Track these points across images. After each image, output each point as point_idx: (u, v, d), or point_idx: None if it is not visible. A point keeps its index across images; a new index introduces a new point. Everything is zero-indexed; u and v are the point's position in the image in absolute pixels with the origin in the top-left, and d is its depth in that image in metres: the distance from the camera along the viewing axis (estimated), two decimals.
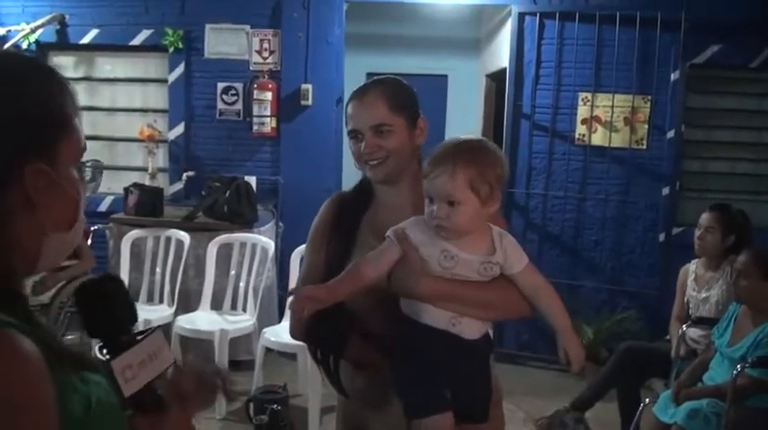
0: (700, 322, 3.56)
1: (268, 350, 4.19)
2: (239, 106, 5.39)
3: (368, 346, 1.69)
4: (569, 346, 1.54)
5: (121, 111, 5.63)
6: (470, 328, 1.53)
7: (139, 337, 1.03)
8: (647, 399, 3.43)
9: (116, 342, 1.01)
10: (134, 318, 1.06)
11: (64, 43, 5.40)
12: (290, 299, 1.52)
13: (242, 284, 4.49)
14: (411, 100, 1.79)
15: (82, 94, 5.08)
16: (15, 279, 0.94)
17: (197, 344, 4.29)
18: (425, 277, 1.49)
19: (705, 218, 3.67)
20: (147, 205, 4.85)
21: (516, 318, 1.65)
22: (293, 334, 1.85)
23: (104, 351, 1.01)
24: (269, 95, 5.22)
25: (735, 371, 2.90)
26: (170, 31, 5.29)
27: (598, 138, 5.11)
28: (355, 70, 6.59)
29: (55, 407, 0.84)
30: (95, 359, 0.99)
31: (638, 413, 3.44)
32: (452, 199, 1.46)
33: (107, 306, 1.03)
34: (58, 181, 0.94)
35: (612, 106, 5.03)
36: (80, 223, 1.00)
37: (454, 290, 1.50)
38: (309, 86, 5.24)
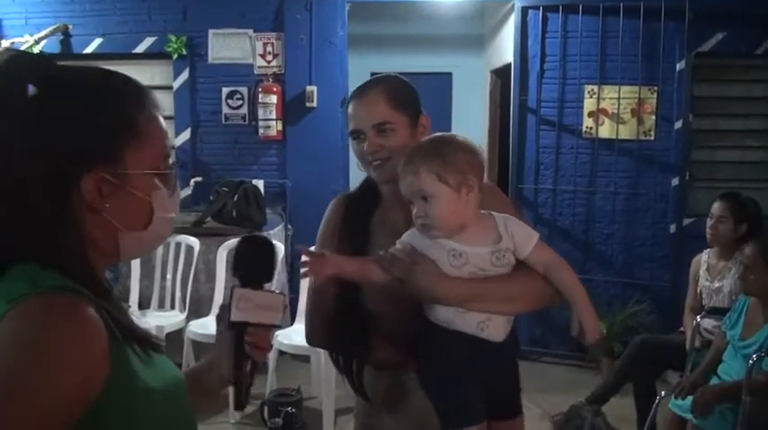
0: (713, 312, 3.53)
1: (281, 353, 4.19)
2: (245, 110, 5.39)
3: (391, 347, 1.67)
4: (584, 317, 1.50)
5: None
6: (497, 330, 1.52)
7: (267, 290, 1.22)
8: (663, 393, 3.40)
9: (249, 283, 1.22)
10: (270, 277, 1.26)
11: (68, 53, 5.40)
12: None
13: None
14: (412, 97, 1.76)
15: None
16: (93, 267, 1.03)
17: (210, 349, 4.29)
18: (443, 278, 1.47)
19: (716, 207, 3.64)
20: None
21: (541, 306, 1.61)
22: (310, 340, 1.83)
23: (237, 282, 1.22)
24: (274, 98, 5.22)
25: (750, 362, 2.87)
26: (173, 38, 5.30)
27: (605, 130, 5.09)
28: (359, 70, 6.56)
29: (86, 376, 0.92)
30: (159, 341, 1.10)
31: (654, 406, 3.41)
32: (424, 194, 1.47)
33: (258, 257, 1.25)
34: (123, 185, 1.02)
35: (619, 98, 5.00)
36: (158, 222, 1.08)
37: (475, 287, 1.48)
38: (314, 88, 5.24)
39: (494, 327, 1.51)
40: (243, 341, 1.20)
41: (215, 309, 4.44)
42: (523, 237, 1.52)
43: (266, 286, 1.24)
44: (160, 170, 1.08)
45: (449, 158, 1.47)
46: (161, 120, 1.10)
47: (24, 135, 0.98)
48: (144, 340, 1.05)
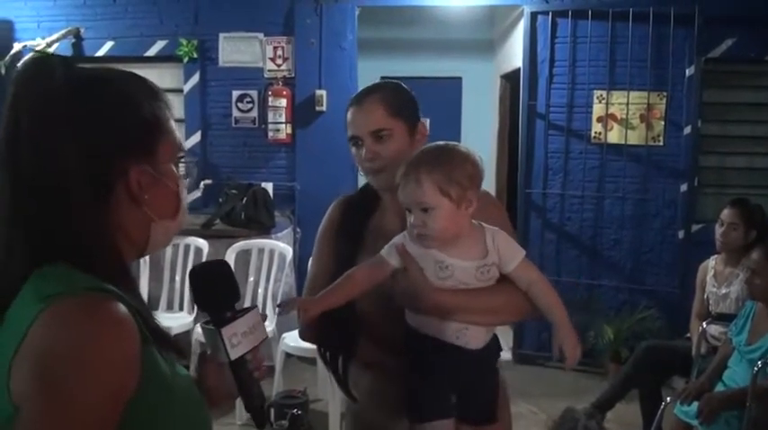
0: (720, 319, 3.52)
1: (288, 355, 4.21)
2: (254, 113, 5.42)
3: (376, 348, 1.69)
4: (564, 341, 1.50)
5: None
6: (475, 338, 1.53)
7: (240, 313, 1.20)
8: (669, 398, 3.40)
9: (221, 316, 1.18)
10: (237, 296, 1.23)
11: (80, 56, 5.44)
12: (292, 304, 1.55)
13: (261, 290, 4.51)
14: (410, 104, 1.77)
15: None
16: (124, 261, 1.07)
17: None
18: (431, 292, 1.48)
19: (727, 214, 3.62)
20: None
21: (523, 319, 1.63)
22: (302, 336, 1.87)
23: (211, 323, 1.19)
24: (284, 102, 5.25)
25: (755, 368, 2.87)
26: (184, 42, 5.34)
27: (614, 135, 5.08)
28: (369, 75, 6.55)
29: (125, 378, 0.93)
30: (177, 342, 1.11)
31: (659, 412, 3.41)
32: (424, 205, 1.45)
33: (216, 285, 1.21)
34: (160, 177, 1.08)
35: (628, 103, 5.00)
36: (183, 212, 1.15)
37: (460, 301, 1.49)
38: (324, 92, 5.27)
39: (471, 336, 1.52)
40: (246, 371, 1.20)
41: None
42: (509, 253, 1.52)
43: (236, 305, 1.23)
44: (179, 159, 1.15)
45: (453, 172, 1.46)
46: (170, 109, 1.16)
47: (70, 135, 0.99)
48: (168, 343, 1.06)
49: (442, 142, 1.59)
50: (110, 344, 0.92)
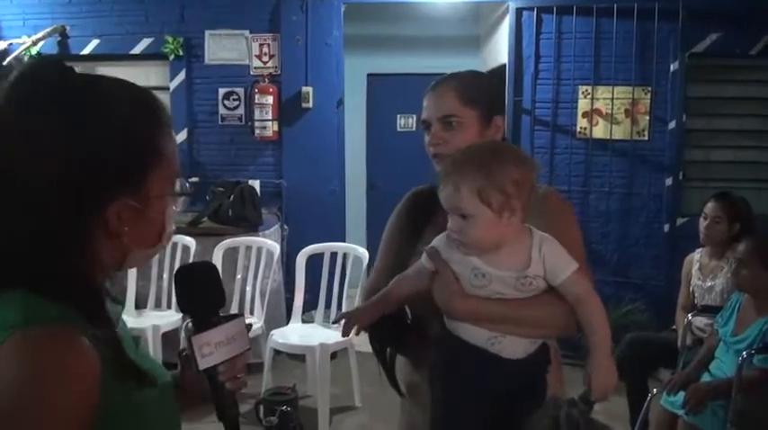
0: (705, 311, 3.56)
1: (276, 352, 4.21)
2: (241, 111, 5.42)
3: (421, 344, 1.64)
4: (596, 370, 1.37)
5: None
6: (512, 348, 1.40)
7: (223, 320, 1.13)
8: (655, 390, 3.43)
9: (203, 321, 1.12)
10: (222, 302, 1.17)
11: (65, 54, 5.42)
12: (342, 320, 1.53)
13: (248, 288, 4.51)
14: (488, 94, 1.70)
15: None
16: (93, 288, 0.99)
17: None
18: (460, 297, 1.39)
19: (710, 208, 3.66)
20: None
21: (567, 334, 1.48)
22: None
23: (190, 326, 1.12)
24: (270, 99, 5.25)
25: (740, 359, 2.90)
26: (170, 39, 5.33)
27: (599, 130, 5.11)
28: (356, 72, 6.61)
29: (83, 411, 0.88)
30: (151, 375, 1.02)
31: (645, 403, 3.44)
32: (462, 212, 1.34)
33: (201, 288, 1.15)
34: (144, 210, 0.99)
35: (613, 98, 5.03)
36: (166, 235, 1.06)
37: (490, 309, 1.38)
38: (310, 89, 5.27)
39: (507, 345, 1.39)
40: (218, 382, 1.14)
41: None
42: (557, 265, 1.37)
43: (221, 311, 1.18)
44: (176, 189, 1.06)
45: (497, 176, 1.31)
46: (173, 132, 1.06)
47: (53, 147, 0.93)
48: (138, 376, 0.99)
49: (491, 140, 1.51)
50: (65, 375, 0.88)
